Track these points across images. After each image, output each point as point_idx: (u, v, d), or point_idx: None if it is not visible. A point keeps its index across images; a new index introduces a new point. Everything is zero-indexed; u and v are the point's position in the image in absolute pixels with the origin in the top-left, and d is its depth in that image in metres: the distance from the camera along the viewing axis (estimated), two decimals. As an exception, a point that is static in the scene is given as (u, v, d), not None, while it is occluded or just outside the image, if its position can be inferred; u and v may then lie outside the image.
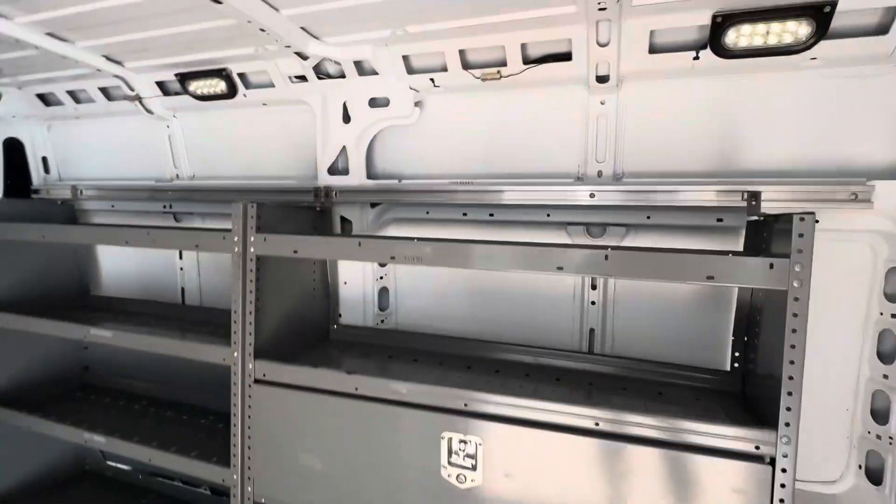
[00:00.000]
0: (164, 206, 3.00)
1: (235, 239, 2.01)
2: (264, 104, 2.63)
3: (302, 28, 2.06)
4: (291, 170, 2.72)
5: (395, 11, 1.87)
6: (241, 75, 2.50)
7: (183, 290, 3.12)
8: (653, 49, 1.90)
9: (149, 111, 2.83)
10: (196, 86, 2.55)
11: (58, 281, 3.18)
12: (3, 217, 2.85)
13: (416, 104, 2.32)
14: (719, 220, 1.98)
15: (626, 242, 2.14)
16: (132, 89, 2.72)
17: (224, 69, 2.45)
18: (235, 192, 2.72)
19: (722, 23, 1.70)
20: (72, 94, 2.98)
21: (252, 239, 1.99)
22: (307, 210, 2.40)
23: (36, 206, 3.18)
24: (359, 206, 2.49)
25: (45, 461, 3.07)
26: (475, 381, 2.07)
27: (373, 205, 2.49)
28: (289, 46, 2.12)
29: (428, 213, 2.39)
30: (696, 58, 1.85)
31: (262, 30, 1.95)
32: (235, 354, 2.04)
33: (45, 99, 3.08)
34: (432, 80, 2.21)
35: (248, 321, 2.01)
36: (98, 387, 3.19)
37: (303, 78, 2.39)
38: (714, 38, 1.75)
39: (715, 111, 2.00)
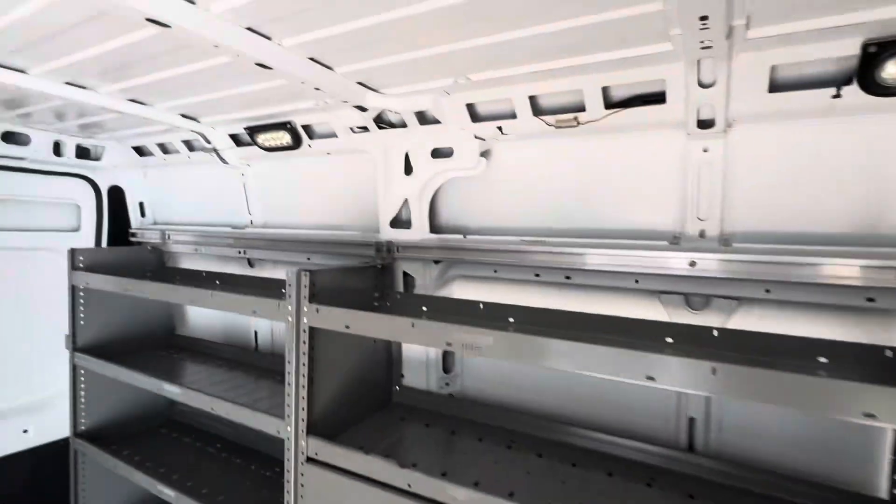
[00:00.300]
0: (239, 252, 3.05)
1: (289, 308, 1.91)
2: (328, 153, 2.56)
3: (359, 83, 1.93)
4: (355, 220, 2.62)
5: (455, 61, 1.66)
6: (306, 127, 2.44)
7: (256, 333, 3.15)
8: (774, 87, 1.51)
9: (224, 161, 2.89)
10: (264, 138, 2.54)
11: (149, 321, 3.37)
12: (106, 263, 3.06)
13: (483, 154, 2.10)
14: (870, 299, 1.53)
15: (738, 321, 1.74)
16: (209, 142, 2.78)
17: (289, 122, 2.41)
18: (300, 243, 2.68)
19: (877, 53, 1.30)
20: (160, 145, 3.14)
21: (305, 309, 1.88)
22: (367, 270, 2.27)
23: (133, 253, 3.40)
24: (421, 263, 2.32)
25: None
26: (547, 477, 1.78)
27: (437, 260, 2.30)
28: (346, 101, 2.00)
29: (496, 271, 2.15)
30: (838, 95, 1.44)
31: (318, 88, 1.84)
32: (289, 429, 1.94)
33: (139, 150, 3.29)
34: (500, 128, 1.98)
35: (301, 395, 1.90)
36: (182, 423, 3.32)
37: (364, 128, 2.27)
38: (864, 71, 1.34)
39: (859, 159, 1.56)
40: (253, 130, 2.53)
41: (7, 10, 1.49)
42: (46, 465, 3.24)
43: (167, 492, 2.41)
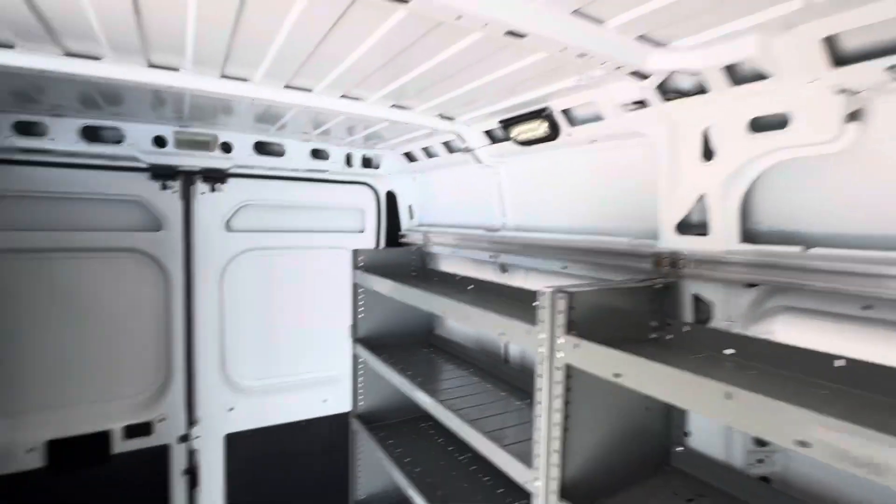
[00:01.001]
0: (491, 256, 2.87)
1: (541, 337, 1.54)
2: (593, 141, 2.09)
3: (639, 37, 1.40)
4: (625, 223, 2.08)
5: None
6: (565, 112, 2.04)
7: (506, 345, 2.94)
8: None
9: (479, 161, 2.74)
10: (518, 132, 2.25)
11: (413, 318, 3.55)
12: (380, 263, 3.34)
13: (850, 117, 1.30)
14: None
15: None
16: (464, 141, 2.67)
17: (545, 109, 2.05)
18: (556, 250, 2.29)
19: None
20: (424, 150, 3.22)
21: (560, 341, 1.48)
22: (642, 291, 1.71)
23: (402, 253, 3.64)
24: (724, 285, 1.63)
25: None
26: None
27: (751, 283, 1.58)
28: (620, 67, 1.50)
29: (868, 308, 1.32)
30: None
31: (582, 55, 1.40)
32: (537, 484, 1.58)
33: (408, 156, 3.47)
34: (894, 66, 1.16)
35: (553, 448, 1.51)
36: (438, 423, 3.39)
37: (640, 103, 1.72)
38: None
39: None
40: (507, 124, 2.27)
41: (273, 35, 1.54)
42: (339, 431, 3.76)
43: (415, 498, 2.39)
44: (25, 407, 2.92)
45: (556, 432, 1.50)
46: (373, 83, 2.05)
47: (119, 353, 3.17)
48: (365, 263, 3.33)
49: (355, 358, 3.36)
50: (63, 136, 2.75)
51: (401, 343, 3.44)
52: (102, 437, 3.07)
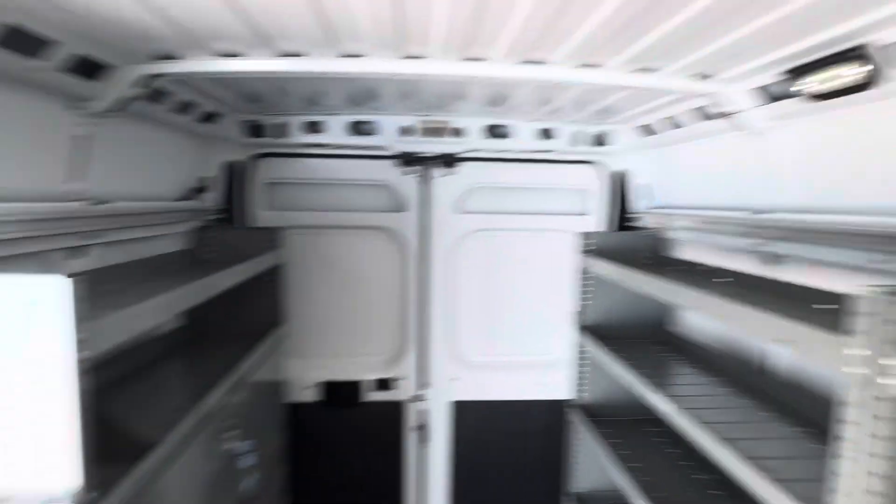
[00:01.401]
0: (753, 244, 2.35)
1: (856, 353, 1.14)
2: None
3: None
4: None
5: None
6: (885, 49, 1.47)
7: (763, 352, 2.39)
8: None
9: (741, 127, 2.25)
10: (812, 81, 1.73)
11: (643, 310, 3.20)
12: (610, 248, 3.10)
13: None
14: None
15: None
16: (722, 105, 2.21)
17: (857, 47, 1.51)
18: (859, 237, 1.71)
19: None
20: (667, 119, 2.82)
21: (891, 363, 1.06)
22: None
23: (633, 238, 3.32)
24: None
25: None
26: None
27: None
28: None
29: None
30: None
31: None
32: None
33: (645, 129, 3.10)
34: None
35: (866, 505, 1.11)
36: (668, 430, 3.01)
37: None
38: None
39: None
40: (796, 73, 1.77)
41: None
42: (555, 417, 3.70)
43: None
44: (308, 353, 3.64)
45: (876, 485, 1.10)
46: (614, 46, 1.84)
47: (370, 316, 3.69)
48: (594, 247, 3.12)
49: (578, 346, 3.21)
50: (335, 131, 3.27)
51: (628, 335, 3.14)
52: (356, 386, 3.63)
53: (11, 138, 1.69)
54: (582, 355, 3.21)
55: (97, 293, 1.74)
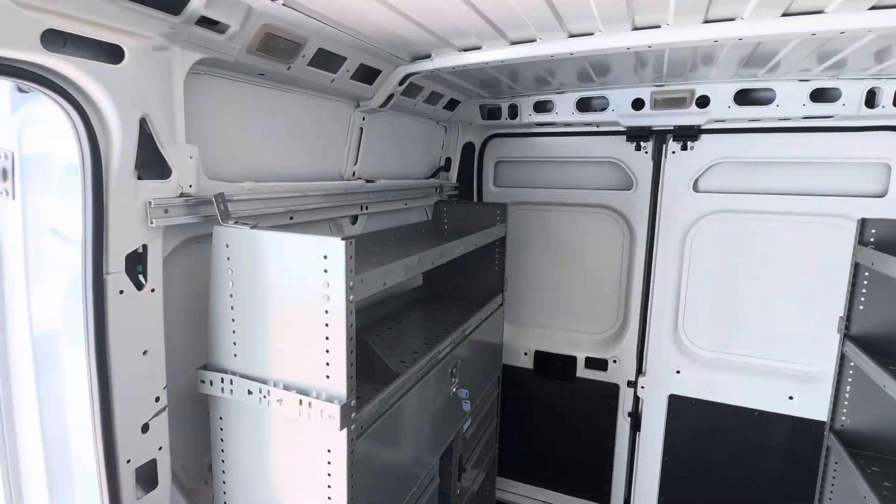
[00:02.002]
0: None
1: None
2: None
3: None
4: None
5: None
6: None
7: None
8: None
9: None
10: None
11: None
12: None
13: None
14: None
15: None
16: None
17: None
18: None
19: None
20: None
21: None
22: None
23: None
24: None
25: None
26: None
27: None
28: None
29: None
30: None
31: None
32: None
33: None
34: None
35: None
36: None
37: None
38: None
39: None
40: None
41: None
42: (804, 441, 3.12)
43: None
44: (526, 320, 3.88)
45: None
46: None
47: (589, 294, 3.69)
48: (879, 239, 2.46)
49: (843, 359, 2.60)
50: (563, 109, 3.30)
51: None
52: (571, 361, 3.71)
53: (319, 132, 2.29)
54: (846, 371, 2.59)
55: (363, 253, 2.23)
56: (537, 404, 3.86)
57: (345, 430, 1.51)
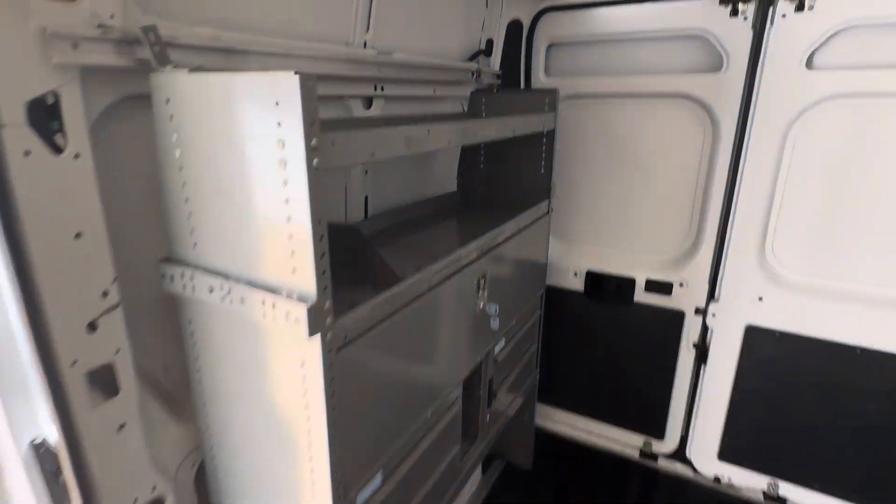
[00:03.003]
0: None
1: None
2: None
3: None
4: None
5: None
6: None
7: None
8: None
9: None
10: None
11: None
12: None
13: None
14: None
15: None
16: None
17: None
18: None
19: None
20: None
21: None
22: None
23: None
24: None
25: None
26: None
27: None
28: None
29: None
30: None
31: None
32: None
33: None
34: None
35: None
36: None
37: None
38: None
39: None
40: None
41: None
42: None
43: None
44: (577, 236, 3.39)
45: None
46: None
47: (654, 206, 3.11)
48: None
49: None
50: (638, -33, 2.58)
51: None
52: (629, 284, 3.21)
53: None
54: None
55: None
56: (587, 329, 3.44)
57: (317, 336, 1.17)
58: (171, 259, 1.40)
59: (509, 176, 2.83)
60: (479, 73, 2.81)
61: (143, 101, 1.30)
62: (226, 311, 1.31)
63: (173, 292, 1.40)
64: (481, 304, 2.04)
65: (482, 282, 2.03)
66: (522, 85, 3.17)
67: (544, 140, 2.69)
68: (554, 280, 3.38)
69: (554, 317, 3.39)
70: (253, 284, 1.23)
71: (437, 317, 1.75)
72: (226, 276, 1.28)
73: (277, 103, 1.03)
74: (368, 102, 2.22)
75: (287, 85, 1.00)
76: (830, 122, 2.52)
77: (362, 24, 2.06)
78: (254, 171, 1.13)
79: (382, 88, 2.20)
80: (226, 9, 1.52)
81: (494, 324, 2.09)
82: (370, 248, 1.56)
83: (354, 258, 1.62)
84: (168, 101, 1.21)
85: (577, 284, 3.38)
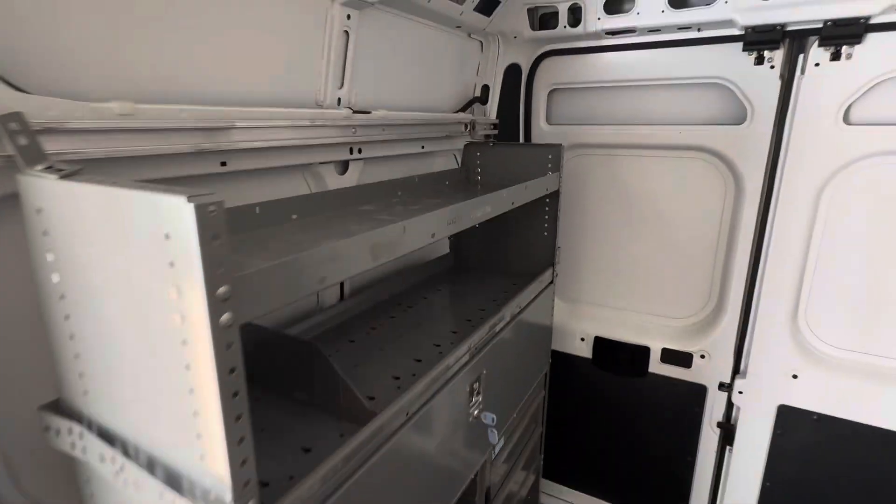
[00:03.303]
0: None
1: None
2: None
3: None
4: None
5: None
6: None
7: None
8: None
9: None
10: None
11: None
12: None
13: None
14: None
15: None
16: None
17: None
18: None
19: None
20: None
21: None
22: None
23: None
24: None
25: None
26: None
27: None
28: None
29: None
30: None
31: None
32: None
33: None
34: None
35: None
36: None
37: None
38: None
39: None
40: None
41: None
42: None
43: None
44: (584, 297, 3.05)
45: None
46: None
47: (670, 267, 2.78)
48: None
49: None
50: (649, 6, 2.30)
51: None
52: (642, 352, 2.86)
53: (275, 32, 1.49)
54: None
55: (342, 218, 1.47)
56: (596, 401, 3.07)
57: (236, 556, 0.81)
58: (61, 407, 1.04)
59: (508, 238, 2.50)
60: (473, 124, 2.51)
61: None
62: (119, 491, 0.95)
63: (61, 450, 1.05)
64: (475, 412, 1.68)
65: (476, 386, 1.67)
66: (522, 133, 2.88)
67: (547, 201, 2.37)
68: (558, 344, 3.03)
69: (559, 384, 3.03)
70: (151, 461, 0.88)
71: (419, 449, 1.39)
72: (122, 440, 0.93)
73: (168, 237, 0.70)
74: (344, 166, 1.91)
75: (176, 215, 0.67)
76: (871, 182, 2.22)
77: (335, 80, 1.76)
78: (148, 320, 0.79)
79: (360, 151, 1.89)
80: (144, 69, 1.21)
81: (493, 437, 1.73)
82: (334, 373, 1.21)
83: (311, 378, 1.28)
84: (39, 211, 0.88)
85: (585, 350, 3.03)
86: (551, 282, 2.48)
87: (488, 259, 2.58)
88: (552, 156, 2.35)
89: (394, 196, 1.93)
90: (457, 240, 2.66)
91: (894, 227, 2.22)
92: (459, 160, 2.58)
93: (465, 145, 2.54)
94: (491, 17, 2.44)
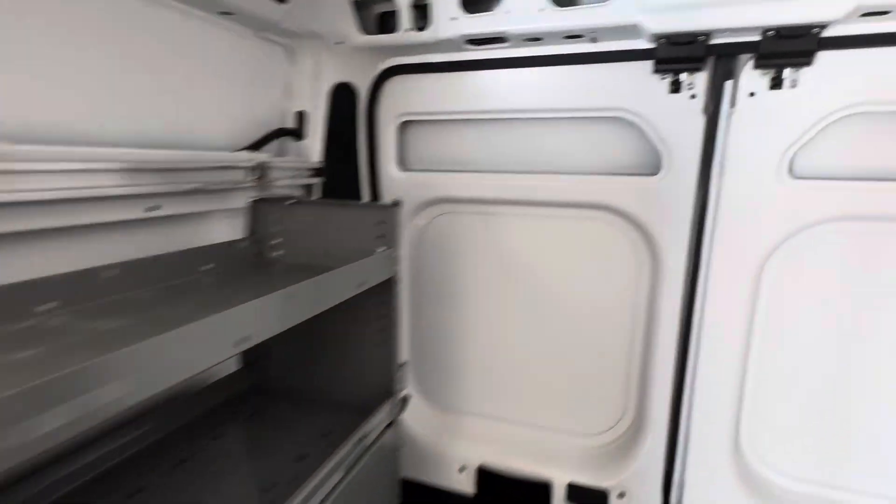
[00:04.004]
0: None
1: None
2: None
3: None
4: None
5: None
6: None
7: None
8: None
9: None
10: None
11: None
12: None
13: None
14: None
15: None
16: None
17: None
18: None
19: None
20: None
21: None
22: None
23: None
24: None
25: None
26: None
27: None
28: None
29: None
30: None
31: None
32: None
33: None
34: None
35: None
36: None
37: None
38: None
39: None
40: None
41: None
42: None
43: None
44: (460, 405, 2.18)
45: None
46: None
47: (574, 368, 2.00)
48: None
49: None
50: (523, 5, 1.56)
51: None
52: (541, 490, 2.01)
53: None
54: None
55: None
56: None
57: None
58: None
59: (326, 349, 1.56)
60: (264, 168, 1.56)
61: None
62: None
63: None
64: None
65: None
66: (367, 182, 2.00)
67: (378, 294, 1.47)
68: (426, 474, 2.11)
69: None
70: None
71: None
72: None
73: None
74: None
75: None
76: (827, 257, 1.59)
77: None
78: None
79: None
80: None
81: None
82: None
83: None
84: None
85: (466, 485, 2.13)
86: (390, 424, 1.54)
87: (300, 381, 1.61)
88: (386, 221, 1.47)
89: (95, 296, 0.92)
90: (248, 352, 1.68)
91: (861, 318, 1.60)
92: (247, 227, 1.62)
93: (253, 203, 1.58)
94: (288, 2, 1.56)
